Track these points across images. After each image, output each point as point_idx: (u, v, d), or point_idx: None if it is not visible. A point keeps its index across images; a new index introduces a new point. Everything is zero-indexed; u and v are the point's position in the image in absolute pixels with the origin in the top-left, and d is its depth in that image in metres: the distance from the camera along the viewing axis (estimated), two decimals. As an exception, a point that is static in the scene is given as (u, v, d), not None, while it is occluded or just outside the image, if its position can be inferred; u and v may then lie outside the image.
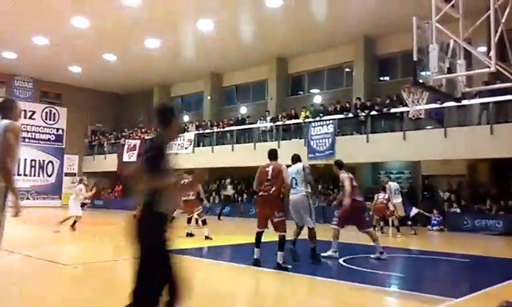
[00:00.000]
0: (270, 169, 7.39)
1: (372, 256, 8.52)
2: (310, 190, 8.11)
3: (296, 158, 8.34)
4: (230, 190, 21.98)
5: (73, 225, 12.87)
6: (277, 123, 20.39)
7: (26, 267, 7.72)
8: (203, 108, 27.39)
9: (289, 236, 7.65)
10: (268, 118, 21.21)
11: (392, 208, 13.60)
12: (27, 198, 27.60)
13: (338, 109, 18.74)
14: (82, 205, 27.95)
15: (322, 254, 8.32)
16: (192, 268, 3.97)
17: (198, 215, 11.84)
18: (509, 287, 6.46)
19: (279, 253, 7.19)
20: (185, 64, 25.24)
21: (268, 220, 7.37)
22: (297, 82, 24.59)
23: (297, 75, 24.38)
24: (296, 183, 7.96)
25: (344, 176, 8.63)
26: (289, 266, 7.25)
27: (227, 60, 24.56)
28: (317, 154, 18.27)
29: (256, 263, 7.37)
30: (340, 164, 8.92)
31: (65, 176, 29.66)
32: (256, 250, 7.42)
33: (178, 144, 23.75)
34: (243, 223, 17.82)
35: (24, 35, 21.47)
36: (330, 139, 18.05)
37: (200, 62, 24.81)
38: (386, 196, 13.57)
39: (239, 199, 22.33)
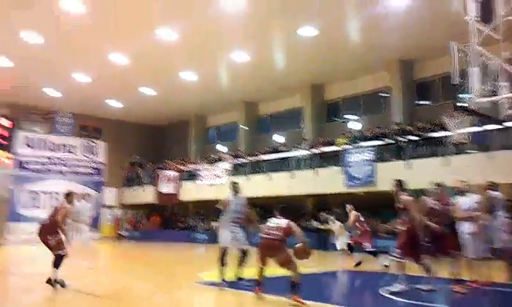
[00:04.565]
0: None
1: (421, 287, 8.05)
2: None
3: None
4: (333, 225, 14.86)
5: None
6: (313, 151, 20.08)
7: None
8: (238, 137, 27.48)
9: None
10: (304, 146, 20.94)
11: None
12: (67, 230, 28.05)
13: (377, 135, 18.28)
14: (119, 237, 28.53)
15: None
16: None
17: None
18: None
19: (56, 270, 8.15)
20: (220, 95, 25.50)
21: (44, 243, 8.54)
22: (333, 109, 24.26)
23: (332, 101, 24.11)
24: None
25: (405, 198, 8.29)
26: (67, 283, 8.16)
27: (261, 89, 24.62)
28: (356, 181, 17.77)
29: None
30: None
31: (103, 208, 30.09)
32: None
33: (214, 174, 23.76)
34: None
35: (64, 72, 22.29)
36: (370, 166, 17.55)
37: (234, 92, 25.02)
38: None
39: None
